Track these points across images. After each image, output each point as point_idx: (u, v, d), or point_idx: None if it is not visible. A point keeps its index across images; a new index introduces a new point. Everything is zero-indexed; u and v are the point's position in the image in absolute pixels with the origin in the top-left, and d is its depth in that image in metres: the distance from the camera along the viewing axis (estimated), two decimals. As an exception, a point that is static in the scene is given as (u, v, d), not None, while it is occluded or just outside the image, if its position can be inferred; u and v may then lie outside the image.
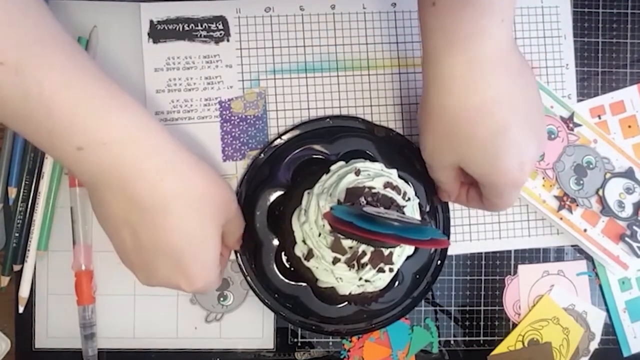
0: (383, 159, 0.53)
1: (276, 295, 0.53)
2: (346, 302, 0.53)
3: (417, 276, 0.54)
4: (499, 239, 0.57)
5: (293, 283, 0.53)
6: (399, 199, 0.47)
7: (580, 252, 0.58)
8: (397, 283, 0.53)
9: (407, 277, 0.53)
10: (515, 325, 0.57)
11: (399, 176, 0.51)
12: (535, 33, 0.58)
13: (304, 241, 0.49)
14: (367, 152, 0.54)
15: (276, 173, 0.53)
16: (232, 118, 0.56)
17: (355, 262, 0.46)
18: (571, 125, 0.56)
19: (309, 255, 0.48)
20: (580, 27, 0.58)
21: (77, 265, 0.54)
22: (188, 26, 0.56)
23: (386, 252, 0.46)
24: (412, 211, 0.49)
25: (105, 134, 0.39)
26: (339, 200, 0.46)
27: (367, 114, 0.57)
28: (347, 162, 0.51)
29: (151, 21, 0.55)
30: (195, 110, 0.56)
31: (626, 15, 0.59)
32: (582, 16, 0.58)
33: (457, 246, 0.57)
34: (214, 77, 0.56)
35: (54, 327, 0.56)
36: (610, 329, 0.58)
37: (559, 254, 0.58)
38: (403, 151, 0.55)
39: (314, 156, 0.54)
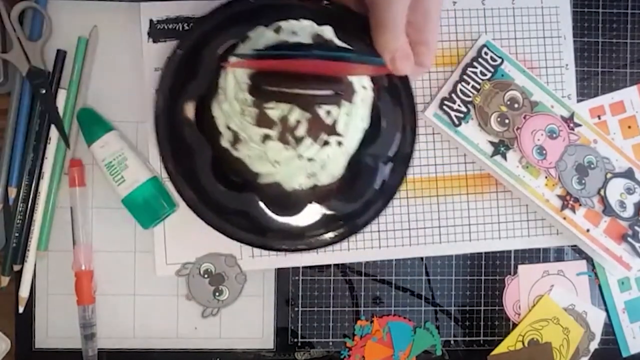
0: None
1: (224, 214, 0.46)
2: (304, 207, 0.46)
3: (387, 163, 0.48)
4: (499, 239, 0.57)
5: (238, 193, 0.46)
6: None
7: (579, 252, 0.58)
8: (359, 174, 0.46)
9: (372, 166, 0.47)
10: (515, 325, 0.57)
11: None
12: (535, 33, 0.58)
13: (228, 127, 0.43)
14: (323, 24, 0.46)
15: (197, 67, 0.47)
16: (233, 118, 0.56)
17: (289, 136, 0.40)
18: (572, 125, 0.56)
19: (236, 141, 0.42)
20: (580, 27, 0.59)
21: (77, 265, 0.54)
22: (188, 25, 0.56)
23: (327, 119, 0.40)
24: (358, 81, 0.44)
25: None
26: None
27: (368, 114, 0.57)
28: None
29: (151, 21, 0.55)
30: (196, 110, 0.56)
31: (626, 15, 0.59)
32: (581, 16, 0.59)
33: (457, 246, 0.57)
34: (214, 77, 0.56)
35: (54, 327, 0.56)
36: (609, 329, 0.58)
37: (559, 254, 0.58)
38: (347, 24, 0.47)
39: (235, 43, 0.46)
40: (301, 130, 0.40)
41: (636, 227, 0.56)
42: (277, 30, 0.42)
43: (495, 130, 0.56)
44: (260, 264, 0.55)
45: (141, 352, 0.56)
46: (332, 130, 0.41)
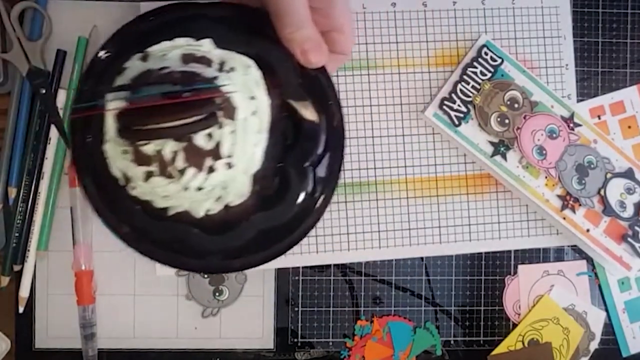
0: (225, 43, 0.42)
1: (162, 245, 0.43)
2: (237, 226, 0.42)
3: (319, 162, 0.44)
4: (499, 239, 0.57)
5: (171, 223, 0.42)
6: (208, 71, 0.39)
7: (579, 252, 0.58)
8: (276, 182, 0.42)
9: (299, 170, 0.43)
10: (515, 325, 0.57)
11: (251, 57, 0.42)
12: (535, 33, 0.58)
13: (117, 168, 0.41)
14: (201, 39, 0.42)
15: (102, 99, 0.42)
16: (233, 118, 0.56)
17: (170, 170, 0.37)
18: (572, 125, 0.56)
19: (127, 181, 0.40)
20: (580, 27, 0.59)
21: (77, 265, 0.54)
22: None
23: (208, 143, 0.37)
24: (247, 85, 0.41)
25: None
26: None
27: (367, 114, 0.57)
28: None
29: (151, 21, 0.55)
30: (196, 110, 0.56)
31: (626, 15, 0.59)
32: (581, 16, 0.59)
33: (457, 246, 0.57)
34: (214, 77, 0.56)
35: (54, 327, 0.56)
36: (609, 329, 0.58)
37: (559, 254, 0.58)
38: (251, 25, 0.44)
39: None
40: (180, 162, 0.37)
41: (636, 227, 0.56)
42: (145, 57, 0.40)
43: (495, 130, 0.56)
44: (260, 264, 0.56)
45: (141, 352, 0.56)
46: (215, 154, 0.38)
